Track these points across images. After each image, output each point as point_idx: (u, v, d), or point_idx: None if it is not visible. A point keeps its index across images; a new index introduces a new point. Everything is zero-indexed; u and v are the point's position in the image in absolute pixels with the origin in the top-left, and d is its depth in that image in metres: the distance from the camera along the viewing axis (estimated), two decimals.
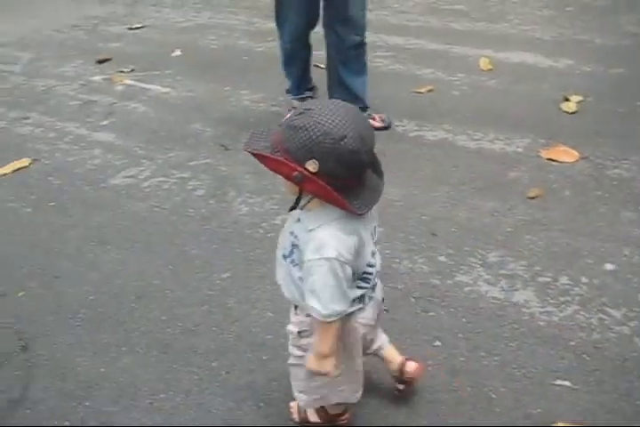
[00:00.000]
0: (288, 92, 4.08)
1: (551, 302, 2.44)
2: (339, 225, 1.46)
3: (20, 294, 2.71)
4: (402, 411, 2.03)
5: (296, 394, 1.86)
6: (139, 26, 6.36)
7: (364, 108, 3.76)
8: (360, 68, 3.73)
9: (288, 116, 1.43)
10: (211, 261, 2.75)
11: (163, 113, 4.29)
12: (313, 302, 1.48)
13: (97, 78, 5.01)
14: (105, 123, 4.21)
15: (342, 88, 3.74)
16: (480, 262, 2.67)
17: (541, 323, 2.34)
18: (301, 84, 4.04)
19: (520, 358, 2.20)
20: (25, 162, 3.78)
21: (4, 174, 3.68)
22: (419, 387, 2.09)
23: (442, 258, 2.71)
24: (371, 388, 2.06)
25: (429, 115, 3.98)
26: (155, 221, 3.10)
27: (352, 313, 1.62)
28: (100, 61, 5.34)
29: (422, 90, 4.32)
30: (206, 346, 2.33)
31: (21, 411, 2.16)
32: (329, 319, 1.49)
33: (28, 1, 7.66)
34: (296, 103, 3.96)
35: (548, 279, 2.56)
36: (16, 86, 5.03)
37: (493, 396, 2.06)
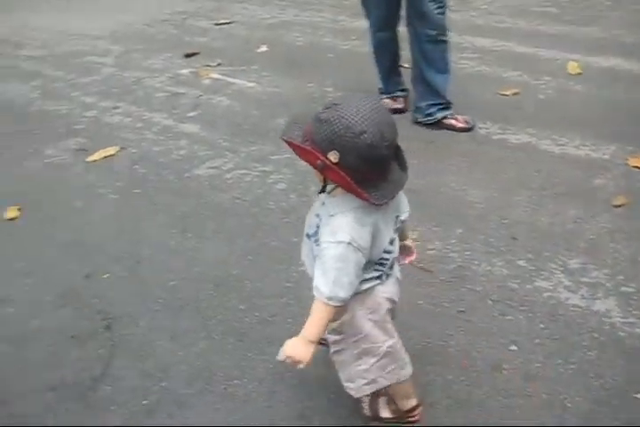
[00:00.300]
0: (381, 92, 4.08)
1: (634, 313, 2.37)
2: (356, 214, 1.53)
3: (105, 275, 2.82)
4: (474, 412, 2.02)
5: (345, 384, 1.88)
6: (226, 21, 6.49)
7: (447, 104, 3.77)
8: (442, 65, 3.74)
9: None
10: (290, 254, 2.78)
11: (247, 107, 4.37)
12: (319, 282, 1.55)
13: (184, 71, 5.14)
14: (191, 115, 4.32)
15: (424, 83, 3.79)
16: (561, 269, 2.62)
17: (623, 334, 2.28)
18: (390, 78, 4.06)
19: (599, 368, 2.15)
20: (113, 150, 3.91)
21: (94, 161, 3.82)
22: (493, 390, 2.07)
23: (521, 262, 2.67)
24: (441, 389, 2.05)
25: (514, 118, 3.92)
26: (236, 212, 3.16)
27: (373, 288, 1.70)
28: (188, 55, 5.47)
29: (507, 92, 4.25)
30: (282, 337, 2.35)
31: (103, 387, 2.25)
32: (330, 302, 1.54)
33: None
34: (387, 102, 3.97)
35: (632, 289, 2.49)
36: (107, 77, 5.21)
37: (569, 405, 2.02)
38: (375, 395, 1.98)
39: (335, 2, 6.82)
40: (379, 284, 1.72)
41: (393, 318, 1.84)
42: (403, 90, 4.12)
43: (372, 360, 1.74)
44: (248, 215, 3.13)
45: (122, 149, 3.93)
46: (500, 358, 2.19)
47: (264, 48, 5.52)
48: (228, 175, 3.51)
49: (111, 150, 3.91)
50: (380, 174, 1.52)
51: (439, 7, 3.55)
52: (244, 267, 2.76)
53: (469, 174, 3.33)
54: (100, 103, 4.69)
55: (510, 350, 2.24)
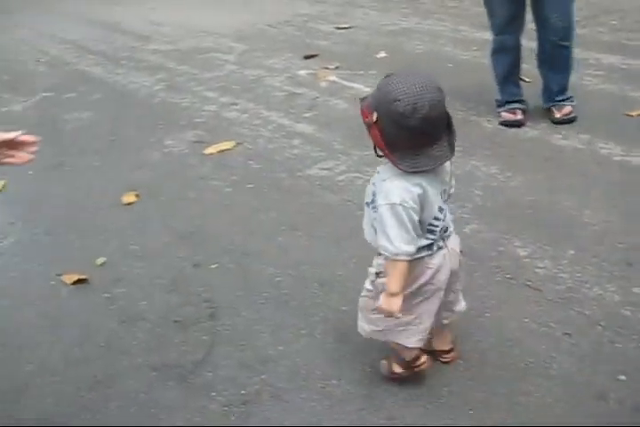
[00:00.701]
0: (498, 104, 4.03)
1: None
2: (404, 178, 1.73)
3: (214, 266, 2.91)
4: None
5: (359, 323, 2.11)
6: (346, 26, 6.56)
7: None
8: (563, 66, 3.83)
9: None
10: None
11: None
12: (382, 241, 1.78)
13: (303, 73, 5.23)
14: (307, 115, 4.40)
15: (544, 85, 3.91)
16: None
17: None
18: (506, 86, 3.99)
19: None
20: (229, 144, 4.03)
21: (210, 153, 3.95)
22: (595, 420, 2.00)
23: (636, 289, 2.56)
24: (540, 412, 2.00)
25: (639, 140, 3.77)
26: (345, 214, 3.19)
27: (421, 258, 1.86)
28: (308, 57, 5.57)
29: (633, 113, 4.09)
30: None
31: (203, 373, 2.32)
32: (397, 258, 1.76)
33: (250, 1, 8.15)
34: (505, 115, 3.94)
35: None
36: (229, 74, 5.38)
37: None
38: (389, 358, 2.19)
39: (457, 11, 6.77)
40: (428, 255, 1.87)
41: (448, 288, 1.99)
42: (520, 101, 4.03)
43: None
44: (356, 218, 3.13)
45: (238, 144, 4.04)
46: (606, 386, 2.11)
47: (383, 54, 5.54)
48: (340, 177, 3.54)
49: (227, 145, 4.03)
50: (410, 143, 1.69)
51: (562, 14, 3.59)
52: (349, 268, 2.78)
53: (586, 194, 3.22)
54: (220, 98, 4.85)
55: (618, 380, 2.15)
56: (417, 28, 6.41)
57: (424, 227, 1.82)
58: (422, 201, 1.76)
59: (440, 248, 1.89)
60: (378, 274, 1.95)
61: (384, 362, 2.22)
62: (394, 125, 1.65)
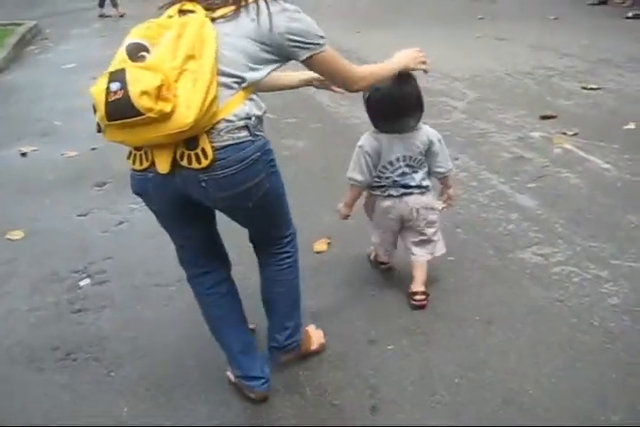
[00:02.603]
0: None
1: None
2: (374, 134, 2.74)
3: (389, 346, 2.59)
4: None
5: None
6: (595, 87, 5.96)
7: None
8: None
9: None
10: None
11: (596, 192, 3.84)
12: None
13: (536, 134, 4.77)
14: (531, 185, 3.94)
15: None
16: None
17: None
18: None
19: None
20: (438, 204, 3.69)
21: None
22: None
23: None
24: None
25: None
26: (551, 315, 2.73)
27: (376, 196, 2.84)
28: (544, 117, 5.09)
29: None
30: None
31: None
32: (349, 180, 2.80)
33: (493, 45, 7.78)
34: None
35: None
36: (456, 123, 5.06)
37: None
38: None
39: None
40: (381, 195, 2.82)
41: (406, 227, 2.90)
42: None
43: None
44: (565, 324, 2.68)
45: (449, 205, 3.69)
46: None
47: (632, 126, 4.90)
48: (555, 269, 3.07)
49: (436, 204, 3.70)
50: (381, 116, 2.69)
51: None
52: (544, 387, 2.32)
53: None
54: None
55: None
56: None
57: (376, 168, 2.75)
58: (376, 150, 2.71)
59: (390, 196, 2.79)
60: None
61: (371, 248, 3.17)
62: (372, 105, 2.68)
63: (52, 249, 3.74)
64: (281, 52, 1.99)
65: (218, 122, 1.88)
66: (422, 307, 2.83)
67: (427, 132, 2.72)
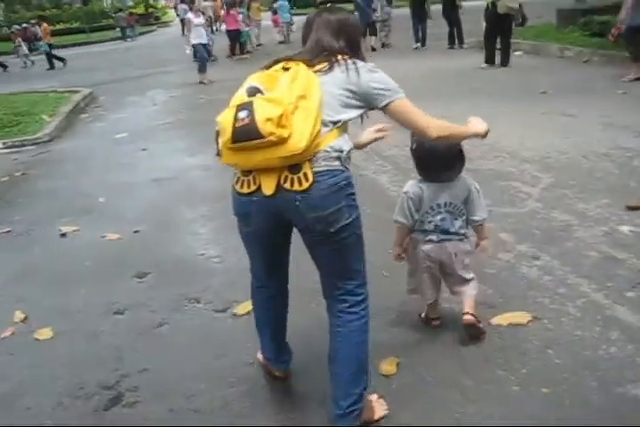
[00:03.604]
0: None
1: None
2: (418, 181, 3.03)
3: None
4: None
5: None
6: None
7: None
8: None
9: None
10: None
11: None
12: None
13: (624, 229, 4.23)
14: (630, 295, 3.38)
15: None
16: None
17: None
18: None
19: None
20: (523, 317, 3.22)
21: (499, 325, 3.16)
22: None
23: None
24: None
25: None
26: None
27: (418, 240, 3.05)
28: (631, 208, 4.55)
29: None
30: None
31: None
32: (395, 224, 3.07)
33: (560, 122, 7.35)
34: None
35: None
36: (530, 214, 4.57)
37: None
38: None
39: None
40: (422, 240, 3.03)
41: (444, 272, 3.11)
42: None
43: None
44: None
45: (535, 318, 3.20)
46: None
47: None
48: None
49: (521, 317, 3.21)
50: (425, 165, 3.00)
51: None
52: None
53: None
54: (517, 245, 4.05)
55: None
56: None
57: (420, 213, 2.99)
58: (419, 196, 2.96)
59: (431, 241, 3.00)
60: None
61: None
62: (417, 155, 3.00)
63: (82, 354, 3.35)
64: (366, 98, 2.40)
65: (318, 151, 2.26)
66: (473, 325, 3.02)
67: (466, 181, 3.02)
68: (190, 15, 13.93)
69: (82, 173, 7.12)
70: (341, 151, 2.32)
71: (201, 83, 13.36)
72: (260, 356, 2.91)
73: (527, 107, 8.11)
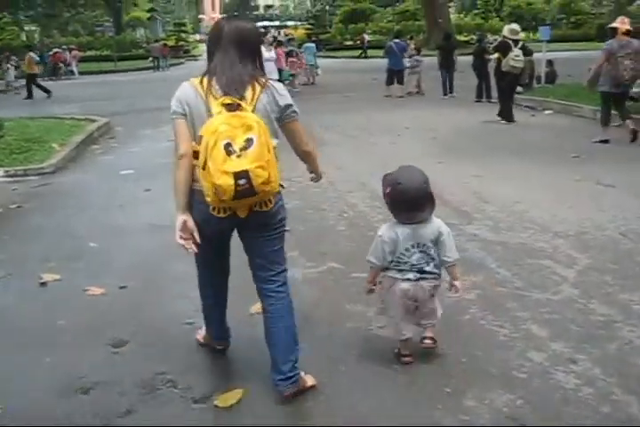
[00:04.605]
0: None
1: None
2: (393, 224, 3.27)
3: None
4: None
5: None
6: None
7: None
8: None
9: None
10: None
11: None
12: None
13: None
14: None
15: None
16: None
17: None
18: None
19: None
20: None
21: None
22: None
23: None
24: None
25: None
26: None
27: (395, 279, 3.26)
28: None
29: None
30: None
31: None
32: (369, 264, 3.32)
33: (596, 192, 6.81)
34: None
35: None
36: (567, 303, 4.00)
37: None
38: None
39: None
40: (399, 278, 3.25)
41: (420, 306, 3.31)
42: None
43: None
44: None
45: None
46: None
47: None
48: None
49: None
50: (399, 209, 3.24)
51: None
52: None
53: None
54: (551, 344, 3.49)
55: None
56: None
57: (395, 256, 3.24)
58: (393, 240, 3.22)
59: (408, 280, 3.23)
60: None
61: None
62: (396, 197, 3.22)
63: None
64: (281, 118, 2.98)
65: None
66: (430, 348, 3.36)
67: (437, 224, 3.28)
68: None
69: (78, 211, 6.65)
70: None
71: None
72: (200, 336, 3.54)
73: (559, 172, 7.58)
